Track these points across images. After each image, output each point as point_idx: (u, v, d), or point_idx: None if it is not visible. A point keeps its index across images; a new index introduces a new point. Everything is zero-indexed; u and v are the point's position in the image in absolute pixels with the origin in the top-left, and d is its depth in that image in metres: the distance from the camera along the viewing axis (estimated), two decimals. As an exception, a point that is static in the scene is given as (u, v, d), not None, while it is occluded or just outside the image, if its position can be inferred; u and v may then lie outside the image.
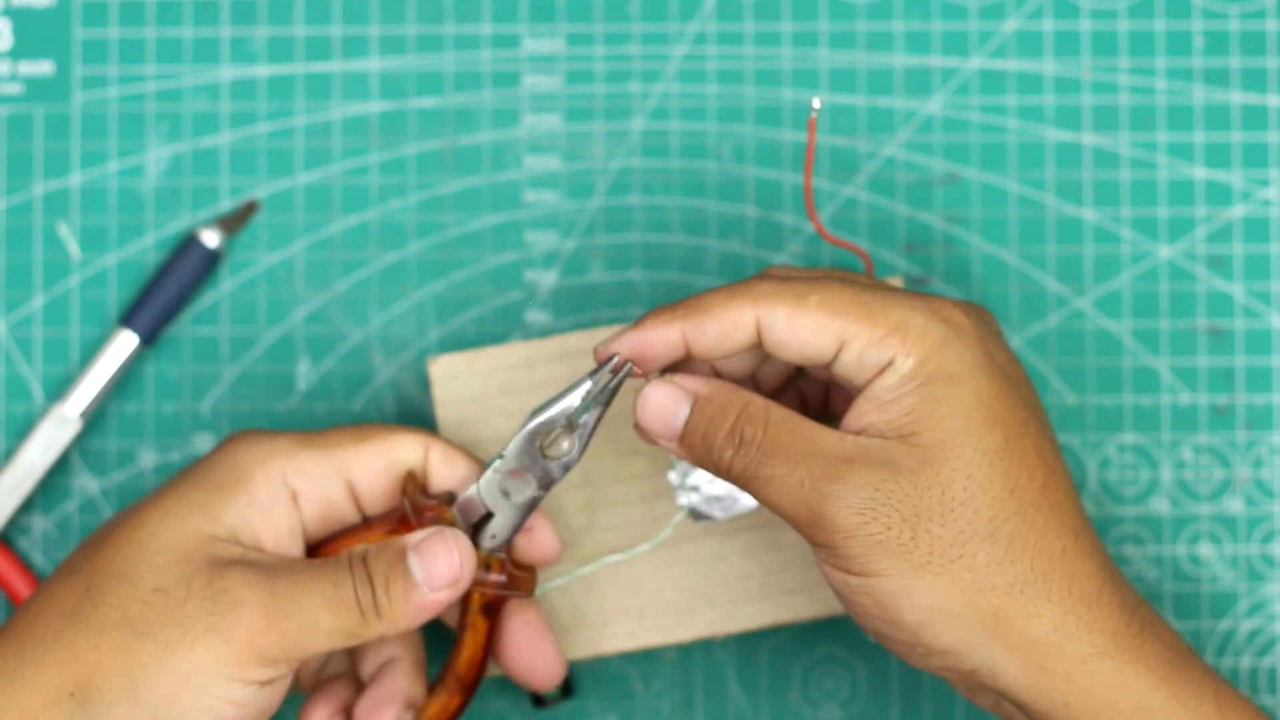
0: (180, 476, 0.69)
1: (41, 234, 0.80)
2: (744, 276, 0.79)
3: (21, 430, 0.79)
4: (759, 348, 0.67)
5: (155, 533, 0.67)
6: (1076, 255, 0.79)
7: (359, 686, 0.72)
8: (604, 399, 0.68)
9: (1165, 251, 0.80)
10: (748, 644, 0.79)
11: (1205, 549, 0.79)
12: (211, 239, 0.79)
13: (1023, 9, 0.80)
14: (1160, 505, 0.79)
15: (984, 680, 0.65)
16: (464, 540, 0.68)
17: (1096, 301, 0.79)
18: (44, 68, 0.80)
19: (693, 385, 0.67)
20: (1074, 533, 0.65)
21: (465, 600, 0.70)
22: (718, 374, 0.70)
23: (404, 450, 0.71)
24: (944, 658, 0.65)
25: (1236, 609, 0.79)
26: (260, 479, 0.69)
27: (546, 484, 0.69)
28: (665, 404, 0.67)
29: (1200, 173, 0.80)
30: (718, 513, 0.75)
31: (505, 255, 0.80)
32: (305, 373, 0.80)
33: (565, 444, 0.68)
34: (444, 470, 0.71)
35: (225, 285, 0.80)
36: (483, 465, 0.71)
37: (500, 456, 0.69)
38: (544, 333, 0.79)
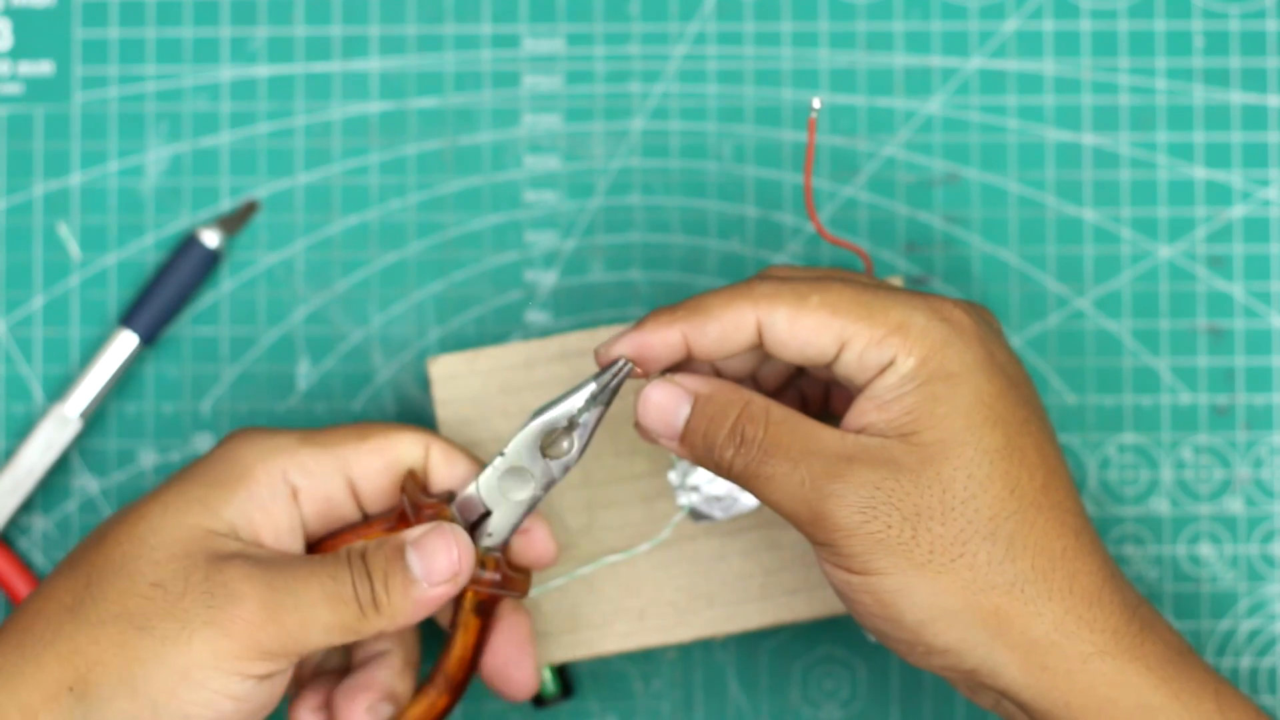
0: (182, 473, 0.70)
1: (41, 234, 0.80)
2: (744, 276, 0.79)
3: (21, 430, 0.79)
4: (760, 348, 0.67)
5: (155, 528, 0.67)
6: (1076, 255, 0.79)
7: (352, 682, 0.72)
8: (604, 399, 0.68)
9: (1165, 251, 0.80)
10: (748, 644, 0.79)
11: (1205, 549, 0.79)
12: (211, 239, 0.79)
13: (1023, 9, 0.80)
14: (1160, 505, 0.79)
15: (984, 679, 0.65)
16: (462, 535, 0.68)
17: (1096, 301, 0.79)
18: (44, 68, 0.80)
19: (693, 384, 0.67)
20: (1075, 532, 0.65)
21: (458, 599, 0.70)
22: (718, 373, 0.70)
23: (405, 449, 0.71)
24: (944, 657, 0.65)
25: (1236, 609, 0.79)
26: (261, 475, 0.69)
27: (546, 484, 0.69)
28: (666, 403, 0.67)
29: (1200, 173, 0.80)
30: (718, 513, 0.75)
31: (505, 255, 0.80)
32: (305, 373, 0.80)
33: (565, 444, 0.68)
34: (444, 469, 0.71)
35: (225, 285, 0.80)
36: (483, 465, 0.71)
37: (501, 455, 0.69)
38: (544, 333, 0.79)
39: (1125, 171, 0.80)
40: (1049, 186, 0.80)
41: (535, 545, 0.72)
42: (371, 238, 0.80)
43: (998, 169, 0.80)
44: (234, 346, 0.80)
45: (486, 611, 0.70)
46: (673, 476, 0.75)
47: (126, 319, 0.78)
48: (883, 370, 0.65)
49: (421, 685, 0.70)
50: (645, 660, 0.79)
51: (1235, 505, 0.79)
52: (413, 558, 0.67)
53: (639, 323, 0.67)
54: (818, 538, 0.65)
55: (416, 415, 0.79)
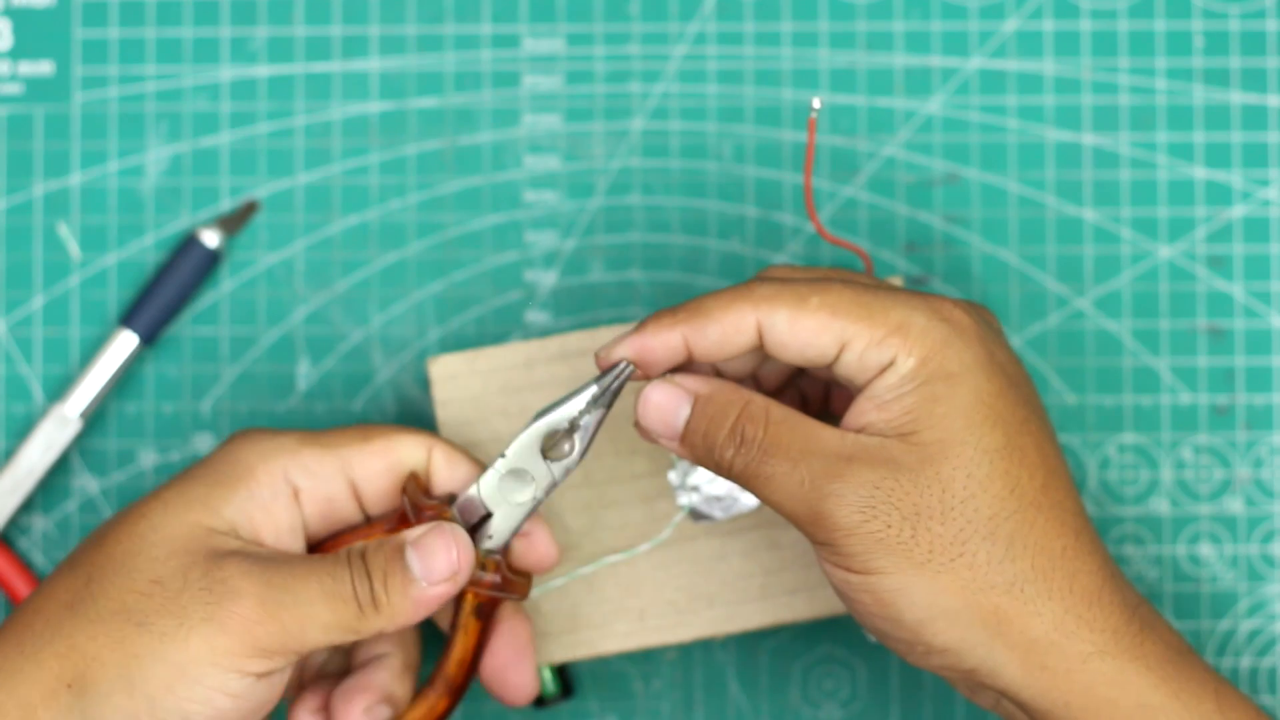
0: (184, 473, 0.70)
1: (41, 234, 0.80)
2: (744, 277, 0.79)
3: (21, 430, 0.79)
4: (760, 349, 0.67)
5: (155, 525, 0.67)
6: (1076, 255, 0.80)
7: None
8: (606, 402, 0.68)
9: (1165, 251, 0.80)
10: (748, 644, 0.79)
11: (1205, 549, 0.79)
12: (211, 239, 0.79)
13: (1023, 9, 0.80)
14: (1160, 505, 0.79)
15: (984, 679, 0.65)
16: (462, 534, 0.68)
17: (1096, 301, 0.79)
18: (44, 68, 0.80)
19: (693, 385, 0.67)
20: (1074, 531, 0.65)
21: (458, 601, 0.70)
22: (719, 373, 0.70)
23: (407, 451, 0.71)
24: (944, 656, 0.65)
25: (1236, 609, 0.79)
26: (262, 475, 0.69)
27: (547, 486, 0.69)
28: (666, 404, 0.67)
29: (1200, 173, 0.80)
30: (718, 513, 0.75)
31: (505, 255, 0.80)
32: (305, 373, 0.80)
33: (566, 446, 0.68)
34: (446, 472, 0.71)
35: (225, 285, 0.80)
36: (484, 468, 0.71)
37: (502, 457, 0.69)
38: (544, 333, 0.79)
39: (1125, 171, 0.80)
40: (1049, 186, 0.80)
41: (536, 549, 0.72)
42: (371, 238, 0.80)
43: (998, 169, 0.80)
44: (234, 346, 0.80)
45: (486, 614, 0.70)
46: (673, 476, 0.75)
47: (126, 319, 0.78)
48: (883, 370, 0.65)
49: (421, 688, 0.70)
50: (645, 660, 0.79)
51: (1235, 505, 0.79)
52: (412, 557, 0.67)
53: (639, 325, 0.67)
54: (817, 537, 0.65)
55: (416, 415, 0.79)
